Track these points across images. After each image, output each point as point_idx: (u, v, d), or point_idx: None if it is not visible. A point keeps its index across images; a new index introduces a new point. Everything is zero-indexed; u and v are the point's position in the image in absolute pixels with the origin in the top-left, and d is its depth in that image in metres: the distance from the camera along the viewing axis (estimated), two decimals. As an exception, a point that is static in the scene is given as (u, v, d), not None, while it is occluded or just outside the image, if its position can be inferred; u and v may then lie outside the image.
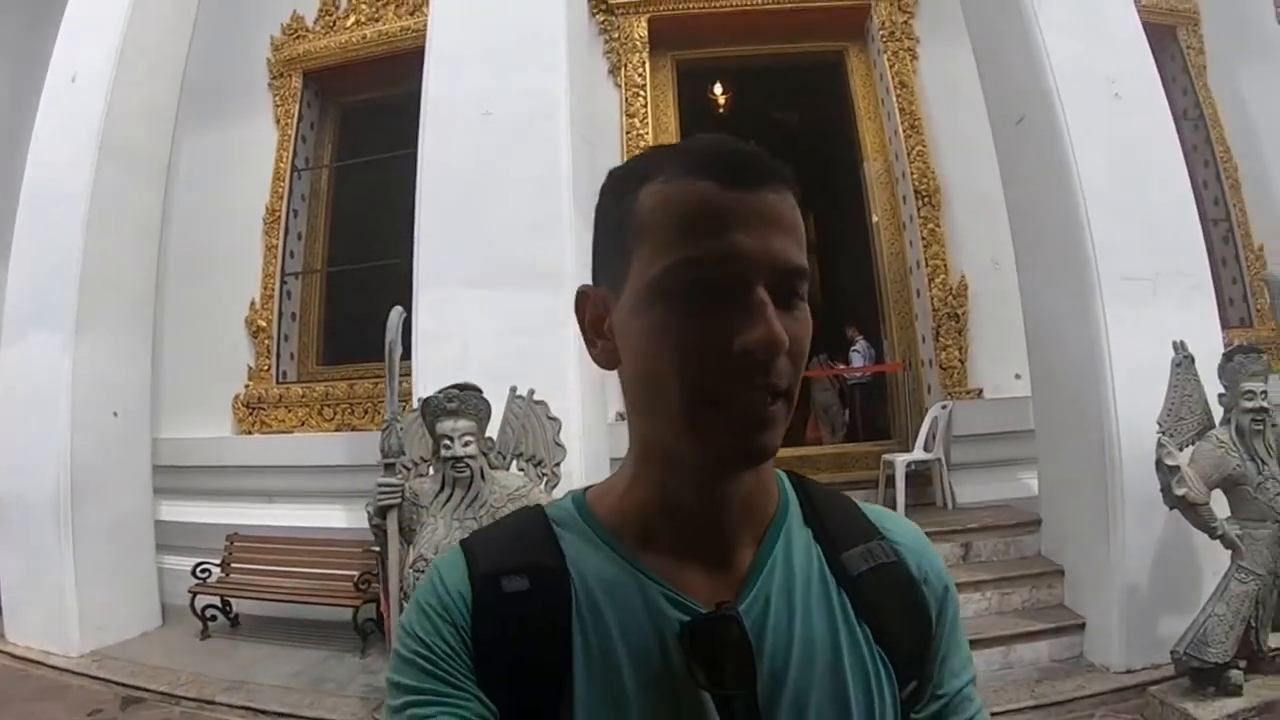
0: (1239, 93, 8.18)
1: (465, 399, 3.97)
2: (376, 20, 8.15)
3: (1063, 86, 5.25)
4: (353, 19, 8.24)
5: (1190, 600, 4.53)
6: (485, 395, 4.05)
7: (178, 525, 6.93)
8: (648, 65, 7.89)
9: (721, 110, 10.79)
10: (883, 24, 7.88)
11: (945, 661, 0.80)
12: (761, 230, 0.67)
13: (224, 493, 7.12)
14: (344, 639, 5.83)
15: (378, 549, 4.36)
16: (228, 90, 8.24)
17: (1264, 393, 4.34)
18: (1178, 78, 8.21)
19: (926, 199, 7.42)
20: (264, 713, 4.94)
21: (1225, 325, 6.00)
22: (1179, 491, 4.17)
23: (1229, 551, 4.27)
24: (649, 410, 0.72)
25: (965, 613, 0.85)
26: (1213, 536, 4.27)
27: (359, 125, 8.74)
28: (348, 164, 8.54)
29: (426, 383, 4.58)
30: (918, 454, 6.72)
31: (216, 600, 6.34)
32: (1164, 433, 4.37)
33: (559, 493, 4.08)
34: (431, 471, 4.21)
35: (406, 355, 4.69)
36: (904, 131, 7.59)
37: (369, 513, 4.15)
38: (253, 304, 7.84)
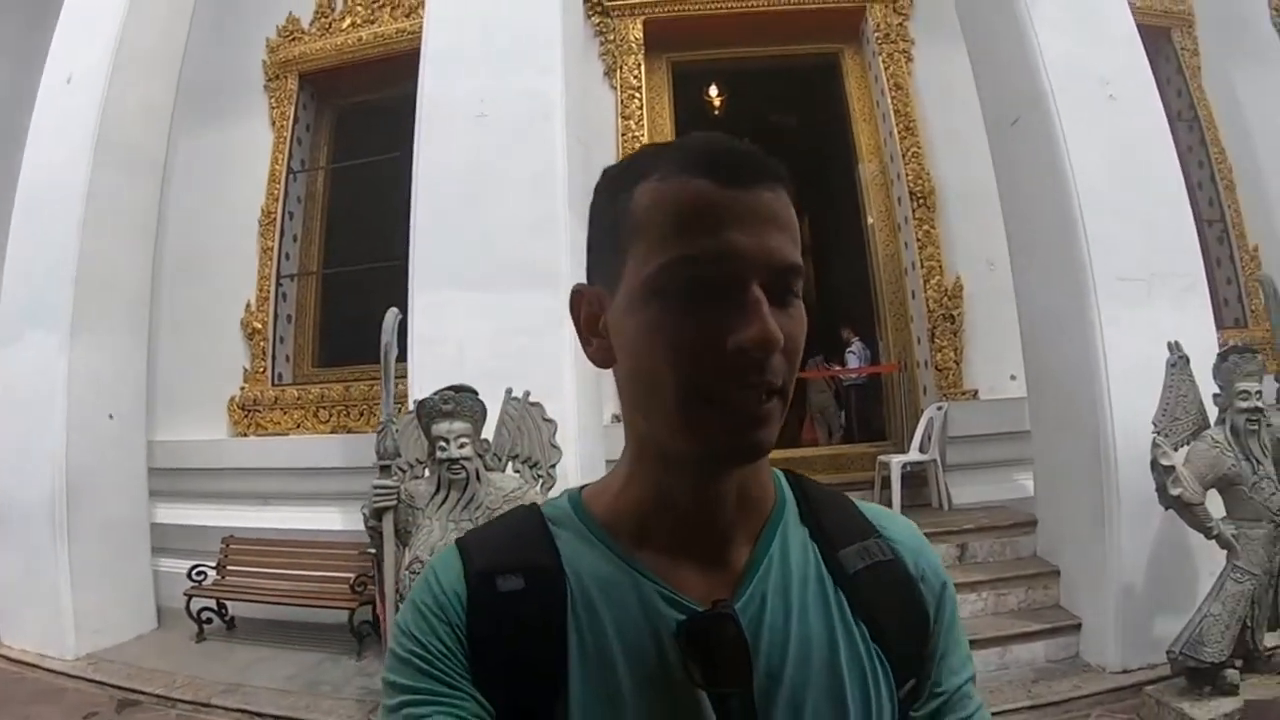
0: (1233, 94, 8.20)
1: (461, 401, 3.97)
2: (372, 22, 8.15)
3: (1057, 88, 5.26)
4: (348, 21, 8.23)
5: (1186, 600, 4.54)
6: (481, 397, 4.05)
7: (173, 528, 6.91)
8: (643, 67, 7.90)
9: (717, 112, 10.80)
10: (878, 26, 7.89)
11: (944, 659, 0.80)
12: (756, 228, 0.67)
13: (219, 495, 7.10)
14: (340, 641, 5.82)
15: (373, 551, 4.36)
16: (223, 92, 8.23)
17: (1259, 393, 4.35)
18: (1172, 79, 8.23)
19: (921, 200, 7.43)
20: (260, 715, 4.92)
21: (1220, 325, 6.02)
22: (1174, 491, 4.18)
23: (1224, 551, 4.28)
24: (644, 408, 0.72)
25: (961, 613, 0.85)
26: (1208, 536, 4.28)
27: (354, 127, 8.73)
28: (343, 166, 8.54)
29: (422, 384, 4.57)
30: (913, 455, 6.73)
31: (212, 603, 6.32)
32: (1159, 433, 4.38)
33: (554, 494, 4.09)
34: (427, 473, 4.21)
35: (402, 357, 4.68)
36: (899, 133, 7.60)
37: (365, 515, 4.15)
38: (248, 306, 7.83)
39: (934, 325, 7.25)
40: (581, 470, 4.74)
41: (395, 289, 5.33)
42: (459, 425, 3.94)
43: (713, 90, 10.65)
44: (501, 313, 4.97)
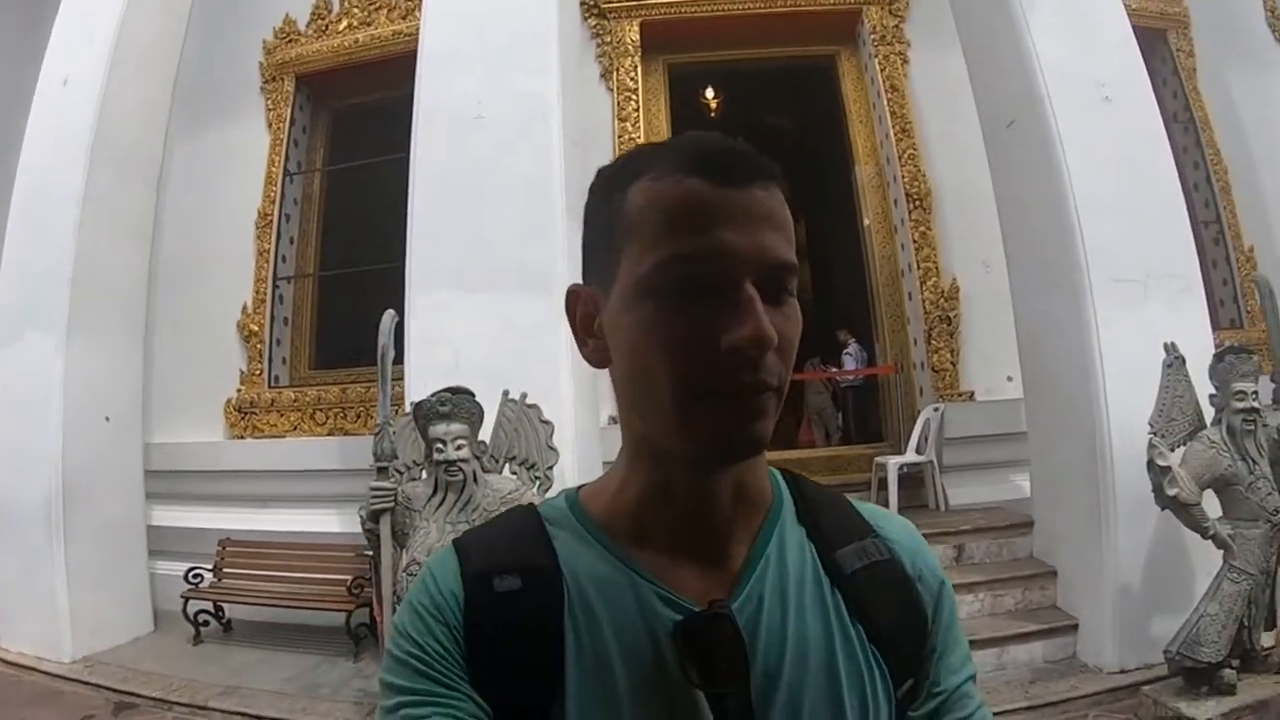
0: (1229, 95, 8.22)
1: (458, 402, 3.97)
2: (369, 24, 8.15)
3: (1053, 90, 5.27)
4: (345, 23, 8.23)
5: (1183, 600, 4.54)
6: (478, 399, 4.05)
7: (170, 530, 6.90)
8: (639, 69, 7.90)
9: (713, 114, 10.81)
10: (874, 28, 7.91)
11: (942, 658, 0.80)
12: (750, 227, 0.67)
13: (216, 497, 7.09)
14: (337, 644, 5.81)
15: (371, 553, 4.35)
16: (220, 94, 8.23)
17: (1255, 393, 4.36)
18: (1168, 81, 8.25)
19: (918, 202, 7.44)
20: (257, 718, 4.91)
21: (1216, 326, 6.03)
22: (1171, 492, 4.19)
23: (1221, 551, 4.29)
24: (640, 408, 0.72)
25: (959, 614, 0.85)
26: (1205, 536, 4.28)
27: (351, 129, 8.72)
28: (340, 168, 8.53)
29: (419, 386, 4.57)
30: (910, 456, 6.73)
31: (209, 605, 6.30)
32: (1155, 433, 4.39)
33: (551, 496, 4.09)
34: (424, 475, 4.20)
35: (399, 359, 4.68)
36: (895, 135, 7.61)
37: (362, 517, 4.14)
38: (244, 308, 7.82)
39: (930, 327, 7.26)
40: (579, 472, 4.74)
41: (392, 291, 5.33)
42: (456, 427, 3.94)
43: (709, 92, 10.67)
44: (498, 314, 4.97)
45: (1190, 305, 5.17)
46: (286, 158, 8.15)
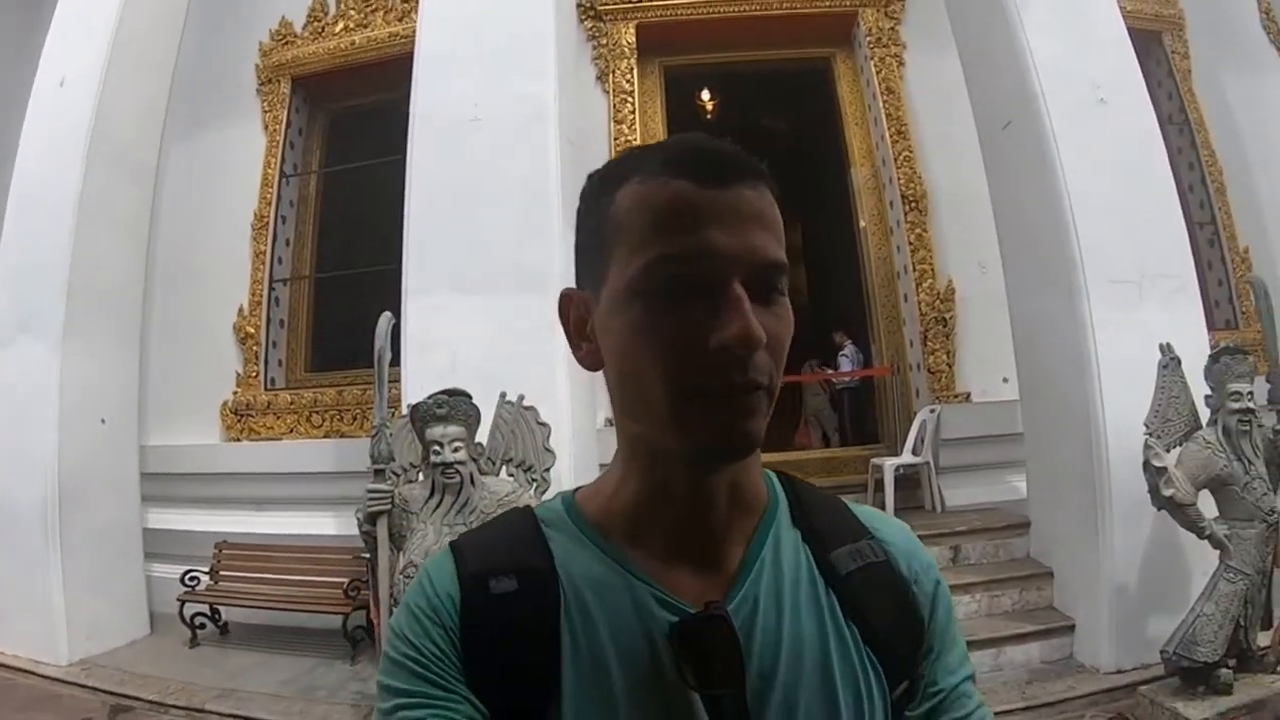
0: (1223, 97, 8.24)
1: (455, 405, 3.96)
2: (365, 26, 8.15)
3: (1049, 92, 5.28)
4: (341, 25, 8.23)
5: (1179, 600, 4.55)
6: (474, 401, 4.05)
7: (166, 533, 6.89)
8: (635, 71, 7.91)
9: (709, 116, 10.81)
10: (869, 30, 7.92)
11: (940, 658, 0.80)
12: (737, 226, 0.68)
13: (212, 500, 7.08)
14: (334, 646, 5.80)
15: (368, 556, 4.35)
16: (216, 96, 8.22)
17: (1250, 393, 4.37)
18: (1163, 82, 8.27)
19: (913, 204, 7.45)
20: (254, 721, 4.92)
21: (1211, 327, 6.04)
22: (1167, 492, 4.20)
23: (1217, 551, 4.30)
24: (633, 409, 0.73)
25: (955, 615, 0.85)
26: (1201, 536, 4.29)
27: (347, 131, 8.72)
28: (336, 170, 8.53)
29: (415, 389, 4.56)
30: (906, 458, 6.73)
31: (205, 608, 6.29)
32: (1151, 434, 4.39)
33: (548, 498, 4.09)
34: (421, 477, 4.20)
35: (395, 361, 4.68)
36: (891, 137, 7.62)
37: (359, 519, 4.14)
38: (241, 310, 7.81)
39: (926, 328, 7.26)
40: (575, 474, 4.73)
41: (388, 293, 5.33)
42: (453, 429, 3.93)
43: (705, 94, 10.67)
44: (495, 316, 4.97)
45: (1185, 306, 5.18)
46: (283, 160, 8.15)
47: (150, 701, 5.22)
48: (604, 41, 7.94)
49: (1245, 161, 8.10)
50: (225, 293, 7.84)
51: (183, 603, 6.16)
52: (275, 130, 8.18)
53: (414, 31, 5.99)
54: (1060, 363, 5.29)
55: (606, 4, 7.97)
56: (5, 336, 6.31)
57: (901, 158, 7.56)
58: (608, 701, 0.69)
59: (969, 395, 7.19)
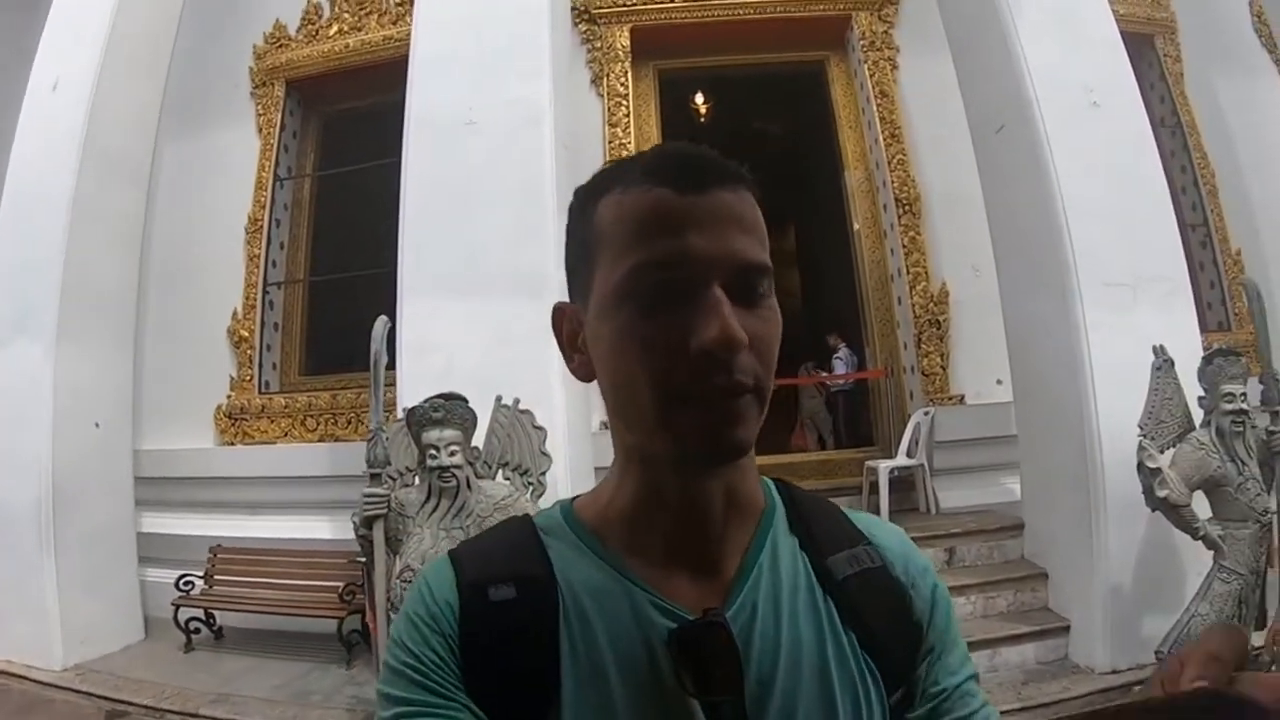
0: (1216, 100, 8.27)
1: (451, 409, 3.96)
2: (359, 29, 8.14)
3: (1042, 95, 5.30)
4: (335, 28, 8.22)
5: (1174, 600, 4.57)
6: (470, 405, 4.04)
7: (160, 537, 6.86)
8: (630, 75, 7.91)
9: (703, 119, 10.83)
10: (863, 34, 7.93)
11: (940, 659, 0.80)
12: (715, 230, 0.68)
13: (207, 504, 7.06)
14: (329, 651, 5.79)
15: (364, 560, 4.34)
16: (210, 99, 8.21)
17: (1243, 395, 4.38)
18: (1155, 85, 8.30)
19: (907, 207, 7.46)
20: (249, 726, 4.91)
21: (1204, 329, 6.08)
22: (1161, 493, 4.21)
23: (1211, 552, 4.32)
24: (625, 417, 0.73)
25: (955, 616, 0.85)
26: (1195, 537, 4.31)
27: (341, 134, 8.70)
28: (330, 173, 8.51)
29: (411, 392, 4.56)
30: (901, 460, 6.74)
31: (200, 612, 6.27)
32: (1145, 436, 4.41)
33: (545, 501, 4.09)
34: (417, 481, 4.19)
35: (391, 365, 4.67)
36: (884, 140, 7.64)
37: (355, 523, 4.13)
38: (235, 314, 7.80)
39: (920, 331, 7.28)
40: (571, 477, 4.74)
41: (383, 296, 5.33)
42: (449, 433, 3.93)
43: (699, 98, 10.68)
44: (491, 320, 4.96)
45: (1178, 308, 5.20)
46: (277, 163, 8.14)
47: (145, 706, 5.20)
48: (598, 45, 7.94)
49: (1237, 164, 8.13)
50: (219, 296, 7.82)
51: (177, 607, 6.14)
52: (269, 133, 8.17)
53: (408, 35, 5.98)
54: (1054, 365, 5.30)
55: (601, 7, 7.98)
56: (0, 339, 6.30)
57: (895, 161, 7.57)
58: (607, 708, 0.69)
59: (963, 398, 7.21)
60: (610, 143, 7.65)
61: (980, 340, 6.93)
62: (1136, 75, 5.75)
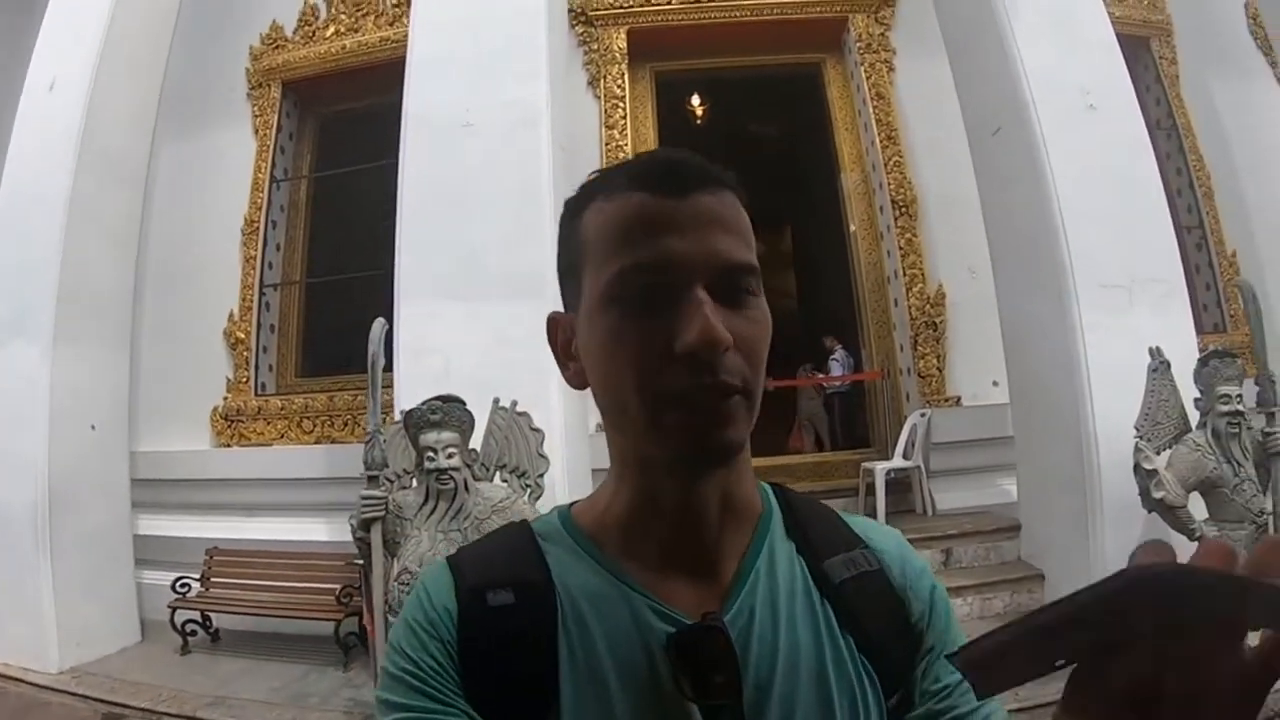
0: (1211, 102, 8.29)
1: (448, 411, 3.96)
2: (356, 31, 8.14)
3: (1038, 97, 5.31)
4: (332, 29, 8.22)
5: (1169, 602, 4.57)
6: (468, 407, 4.05)
7: (156, 539, 6.84)
8: (627, 77, 7.92)
9: (699, 121, 10.83)
10: (860, 36, 7.95)
11: (941, 657, 0.79)
12: (697, 232, 0.69)
13: (203, 506, 7.04)
14: (326, 653, 5.77)
15: (361, 562, 4.34)
16: (206, 100, 8.20)
17: (1239, 396, 4.40)
18: (1151, 88, 8.32)
19: (904, 209, 7.48)
20: (246, 728, 4.90)
21: (1200, 330, 6.08)
22: (1157, 495, 4.22)
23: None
24: (617, 422, 0.74)
25: (955, 615, 0.85)
26: (1191, 538, 4.31)
27: (338, 135, 8.70)
28: (327, 174, 8.51)
29: (408, 395, 4.56)
30: (897, 462, 6.75)
31: (196, 615, 6.25)
32: (1141, 437, 4.42)
33: (542, 503, 4.09)
34: (415, 484, 4.19)
35: (388, 367, 4.67)
36: (881, 142, 7.65)
37: (353, 526, 4.13)
38: (231, 315, 7.78)
39: (916, 333, 7.29)
40: (568, 479, 4.74)
41: (379, 298, 5.32)
42: (447, 435, 3.93)
43: (695, 100, 10.68)
44: (488, 322, 4.95)
45: (1174, 309, 5.22)
46: (273, 164, 8.13)
47: (142, 709, 5.18)
48: (595, 47, 7.95)
49: (1232, 166, 8.15)
50: (216, 297, 7.81)
51: (174, 609, 6.12)
52: (265, 134, 8.17)
53: (405, 36, 5.99)
54: (1050, 366, 5.31)
55: (598, 9, 7.98)
56: (-4, 341, 6.29)
57: (891, 163, 7.59)
58: (605, 713, 0.69)
59: (959, 399, 7.22)
60: (607, 144, 7.65)
61: (977, 342, 6.94)
62: (1132, 78, 5.77)
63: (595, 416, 5.69)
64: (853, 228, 8.09)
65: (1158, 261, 5.25)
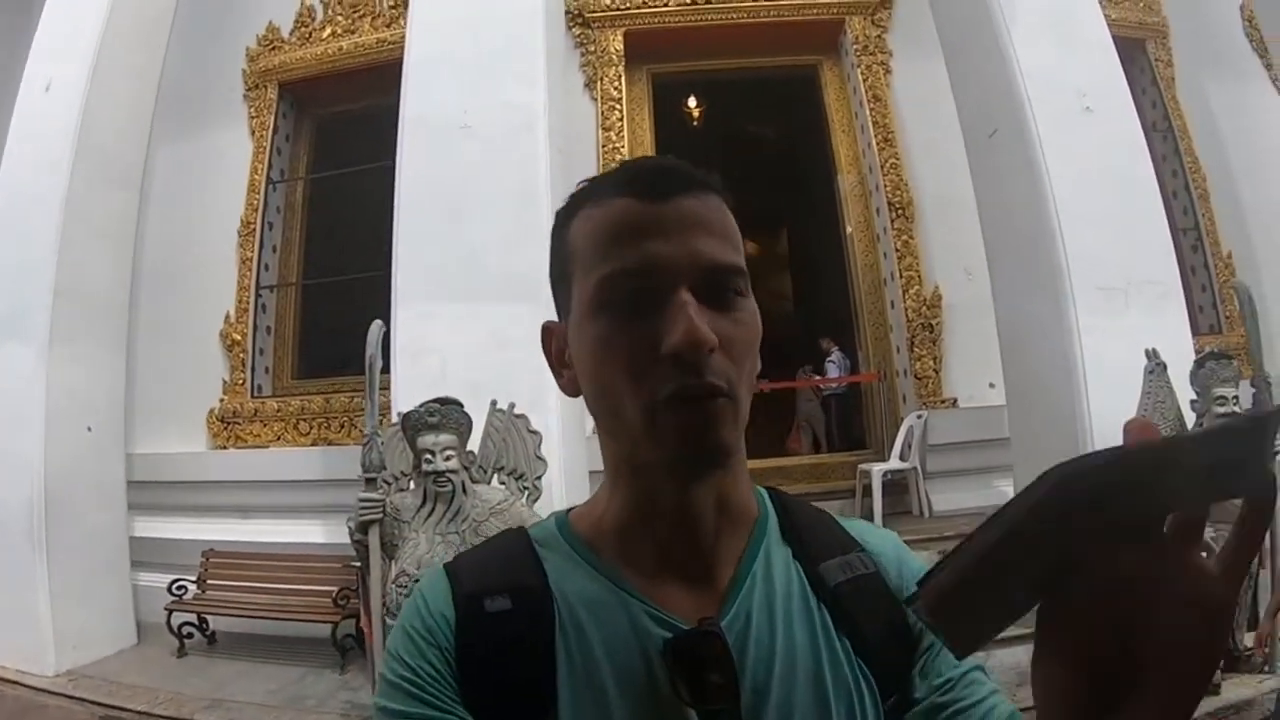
0: (1207, 104, 8.31)
1: (446, 413, 3.96)
2: (353, 32, 8.14)
3: (1034, 99, 5.32)
4: (329, 30, 8.21)
5: (1166, 603, 4.57)
6: (466, 409, 4.04)
7: (153, 541, 6.83)
8: (624, 78, 7.92)
9: (696, 123, 10.82)
10: (856, 38, 7.96)
11: (941, 654, 0.78)
12: (681, 236, 0.70)
13: (199, 508, 7.03)
14: (323, 655, 5.77)
15: (358, 564, 4.33)
16: (203, 101, 8.19)
17: (1235, 398, 4.40)
18: (1147, 90, 8.34)
19: (900, 211, 7.49)
20: (243, 730, 4.90)
21: (1196, 332, 6.09)
22: (1153, 496, 4.22)
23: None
24: (610, 427, 0.75)
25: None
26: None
27: (335, 137, 8.70)
28: (323, 176, 8.50)
29: (405, 397, 4.55)
30: (894, 463, 6.76)
31: (193, 617, 6.24)
32: (1137, 439, 4.42)
33: (540, 506, 4.09)
34: (413, 486, 4.19)
35: (385, 369, 4.67)
36: (877, 144, 7.66)
37: (350, 528, 4.12)
38: (227, 317, 7.78)
39: (913, 334, 7.30)
40: (566, 481, 4.73)
41: (376, 300, 5.31)
42: (445, 438, 3.92)
43: (692, 102, 10.67)
44: (485, 324, 4.94)
45: (1170, 311, 5.22)
46: (269, 165, 8.12)
47: (138, 712, 5.17)
48: (592, 49, 7.95)
49: (1228, 168, 8.17)
50: (212, 299, 7.80)
51: (170, 612, 6.11)
52: (262, 136, 8.16)
53: (402, 37, 5.98)
54: (1047, 368, 5.31)
55: (595, 11, 7.98)
56: (-8, 343, 6.27)
57: (888, 165, 7.60)
58: (603, 719, 0.69)
59: (956, 400, 7.22)
60: (604, 146, 7.65)
61: (973, 343, 6.94)
62: (1128, 79, 5.77)
63: (591, 419, 5.69)
64: (849, 229, 8.10)
65: (1154, 263, 5.26)
